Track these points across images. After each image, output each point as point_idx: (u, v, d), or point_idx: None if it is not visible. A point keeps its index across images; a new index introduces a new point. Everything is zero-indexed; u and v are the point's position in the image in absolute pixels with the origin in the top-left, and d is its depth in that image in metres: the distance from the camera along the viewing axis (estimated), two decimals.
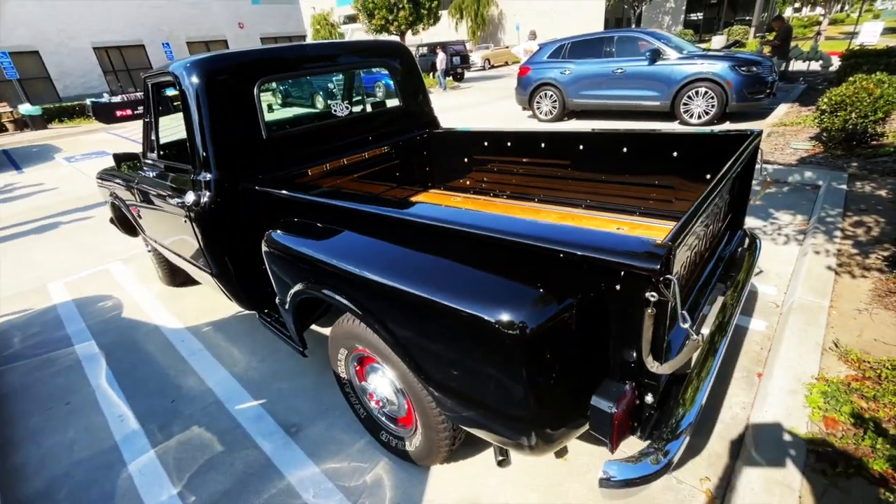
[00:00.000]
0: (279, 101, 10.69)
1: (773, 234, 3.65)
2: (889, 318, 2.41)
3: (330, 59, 2.73)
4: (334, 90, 9.14)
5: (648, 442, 1.24)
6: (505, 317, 1.13)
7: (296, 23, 27.70)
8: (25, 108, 15.65)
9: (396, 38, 20.14)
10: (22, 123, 15.80)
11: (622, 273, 1.07)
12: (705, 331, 1.59)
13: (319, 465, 2.00)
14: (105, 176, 3.54)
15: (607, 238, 1.12)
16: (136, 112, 16.10)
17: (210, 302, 3.48)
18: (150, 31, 21.64)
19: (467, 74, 21.26)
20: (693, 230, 1.20)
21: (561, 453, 1.94)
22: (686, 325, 1.05)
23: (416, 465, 1.92)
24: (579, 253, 1.10)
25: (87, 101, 16.33)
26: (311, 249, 1.70)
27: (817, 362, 2.13)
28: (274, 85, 2.06)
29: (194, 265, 2.64)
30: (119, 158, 3.10)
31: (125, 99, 16.34)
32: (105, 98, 16.37)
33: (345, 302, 1.56)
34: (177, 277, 3.68)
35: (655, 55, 7.49)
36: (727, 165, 1.57)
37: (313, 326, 2.61)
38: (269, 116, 2.41)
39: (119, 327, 3.30)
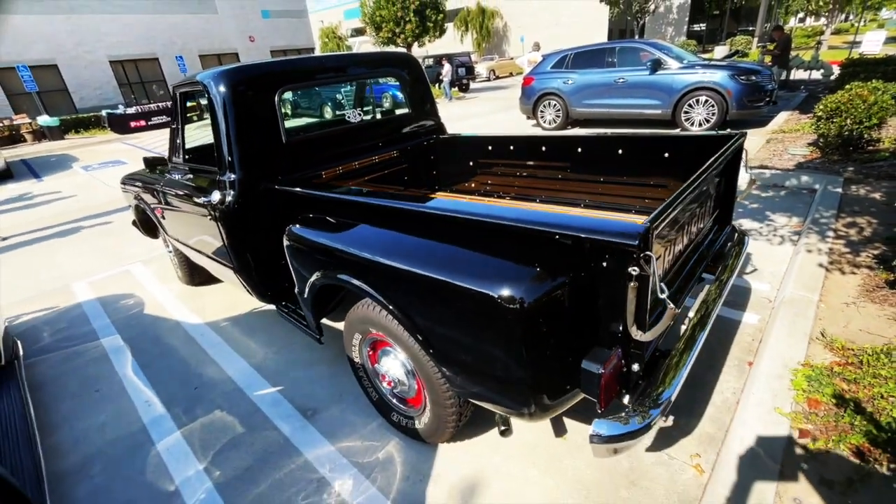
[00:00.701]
0: (289, 112, 11.00)
1: (768, 236, 3.77)
2: (875, 310, 2.53)
3: (344, 70, 2.93)
4: (343, 101, 9.45)
5: (632, 404, 1.38)
6: (506, 292, 1.28)
7: (305, 36, 28.36)
8: (43, 120, 16.14)
9: (403, 50, 20.57)
10: (40, 134, 16.29)
11: (609, 251, 1.22)
12: (690, 314, 1.73)
13: (335, 444, 2.14)
14: (130, 180, 3.76)
15: (596, 222, 1.27)
16: (149, 123, 16.55)
17: (227, 299, 3.66)
18: (163, 45, 22.27)
19: (472, 85, 21.61)
20: (671, 216, 1.35)
21: (560, 432, 2.07)
22: (663, 296, 1.19)
23: (424, 444, 2.06)
24: (573, 234, 1.25)
25: (103, 113, 16.82)
26: (332, 240, 1.86)
27: (804, 350, 2.25)
28: (288, 95, 2.20)
29: (216, 261, 2.81)
30: (149, 162, 3.29)
31: (139, 110, 16.79)
32: (120, 109, 16.84)
33: (363, 286, 1.71)
34: (196, 277, 3.86)
35: (656, 65, 7.68)
36: (708, 162, 1.72)
37: (326, 321, 2.77)
38: (287, 123, 2.60)
39: (142, 323, 3.48)
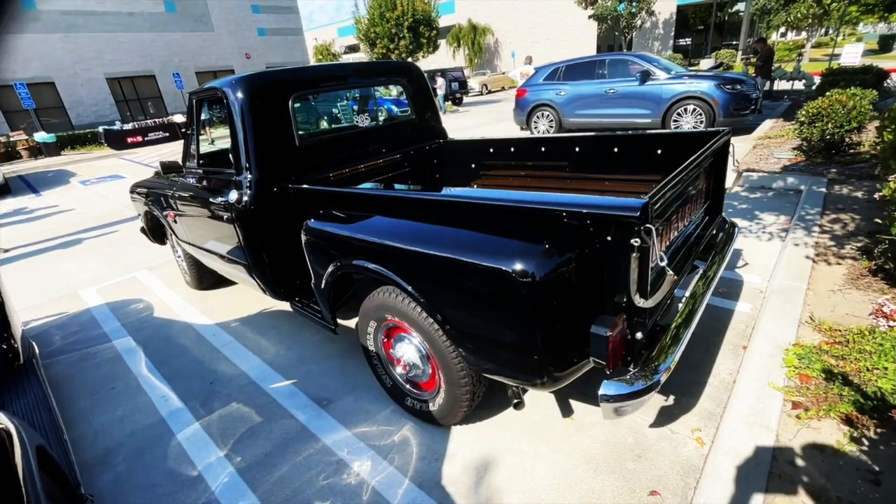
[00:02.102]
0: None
1: (758, 233, 3.93)
2: (860, 296, 2.67)
3: (352, 77, 3.08)
4: (339, 115, 9.64)
5: (637, 370, 1.50)
6: (519, 266, 1.40)
7: (300, 53, 28.80)
8: (40, 136, 16.21)
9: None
10: (36, 150, 16.34)
11: (613, 225, 1.34)
12: (686, 293, 1.85)
13: (351, 430, 2.22)
14: (140, 187, 3.86)
15: (601, 200, 1.40)
16: (146, 139, 16.67)
17: (236, 301, 3.74)
18: (160, 62, 22.53)
19: (465, 99, 22.00)
20: (667, 194, 1.48)
21: (567, 413, 2.17)
22: (663, 263, 1.32)
23: (438, 426, 2.14)
24: (582, 212, 1.38)
25: (100, 129, 16.93)
26: (352, 231, 1.98)
27: (794, 333, 2.38)
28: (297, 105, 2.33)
29: (230, 261, 2.91)
30: (165, 166, 3.37)
31: (137, 126, 16.93)
32: (117, 126, 16.97)
33: (384, 271, 1.82)
34: (204, 281, 3.94)
35: (645, 76, 7.96)
36: (701, 150, 1.87)
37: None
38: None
39: (152, 325, 3.55)
